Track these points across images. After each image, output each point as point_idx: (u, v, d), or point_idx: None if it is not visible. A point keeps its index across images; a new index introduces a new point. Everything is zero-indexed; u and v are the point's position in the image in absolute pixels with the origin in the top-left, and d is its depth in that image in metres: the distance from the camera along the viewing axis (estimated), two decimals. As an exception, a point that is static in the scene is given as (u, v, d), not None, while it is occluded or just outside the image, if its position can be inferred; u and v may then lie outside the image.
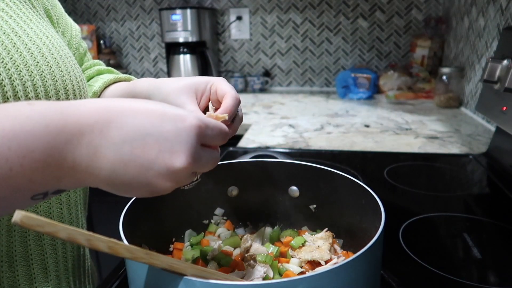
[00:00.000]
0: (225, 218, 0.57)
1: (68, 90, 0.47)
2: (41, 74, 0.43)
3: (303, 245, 0.50)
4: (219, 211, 0.56)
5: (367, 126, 1.36)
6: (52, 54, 0.46)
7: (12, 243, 0.45)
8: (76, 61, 0.53)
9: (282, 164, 0.55)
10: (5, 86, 0.39)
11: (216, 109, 0.50)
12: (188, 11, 1.88)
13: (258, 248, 0.49)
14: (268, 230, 0.56)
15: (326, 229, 0.52)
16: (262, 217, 0.57)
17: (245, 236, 0.52)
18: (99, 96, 0.61)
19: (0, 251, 0.44)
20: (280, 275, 0.46)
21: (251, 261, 0.47)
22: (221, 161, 0.55)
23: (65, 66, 0.48)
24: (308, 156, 1.08)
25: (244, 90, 2.11)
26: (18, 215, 0.25)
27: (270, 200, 0.56)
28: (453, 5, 1.73)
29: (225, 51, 2.19)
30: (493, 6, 1.27)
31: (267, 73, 2.16)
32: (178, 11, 1.88)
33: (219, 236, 0.54)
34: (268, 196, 0.56)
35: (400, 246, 0.64)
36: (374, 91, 1.86)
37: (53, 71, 0.45)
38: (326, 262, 0.46)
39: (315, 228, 0.54)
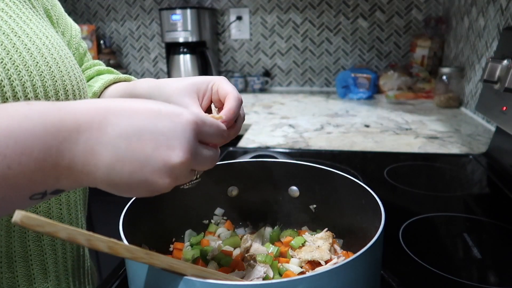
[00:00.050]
0: (225, 218, 0.57)
1: (67, 91, 0.47)
2: (41, 75, 0.43)
3: (303, 245, 0.50)
4: (219, 211, 0.56)
5: (367, 126, 1.36)
6: (52, 54, 0.46)
7: (12, 244, 0.45)
8: (75, 61, 0.52)
9: (282, 164, 0.55)
10: (4, 86, 0.39)
11: (219, 109, 0.50)
12: (188, 11, 1.88)
13: (258, 248, 0.49)
14: (268, 230, 0.56)
15: (326, 229, 0.52)
16: (262, 217, 0.57)
17: (245, 236, 0.52)
18: (99, 97, 0.61)
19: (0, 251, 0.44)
20: (280, 275, 0.46)
21: (251, 261, 0.47)
22: (221, 161, 0.55)
23: (64, 66, 0.48)
24: (308, 156, 1.08)
25: (244, 90, 2.11)
26: (18, 215, 0.25)
27: (270, 200, 0.56)
28: (453, 5, 1.73)
29: (225, 51, 2.19)
30: (493, 6, 1.27)
31: (267, 73, 2.16)
32: (178, 11, 1.88)
33: (219, 236, 0.54)
34: (268, 196, 0.56)
35: (400, 246, 0.64)
36: (374, 91, 1.86)
37: (52, 72, 0.45)
38: (326, 262, 0.46)
39: (315, 228, 0.54)
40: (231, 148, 1.14)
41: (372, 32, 2.00)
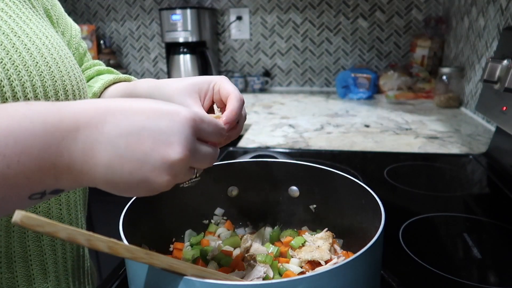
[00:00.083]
0: (225, 218, 0.57)
1: (67, 91, 0.47)
2: (40, 75, 0.43)
3: (303, 245, 0.50)
4: (219, 211, 0.56)
5: (367, 126, 1.36)
6: (52, 54, 0.46)
7: (11, 244, 0.45)
8: (75, 62, 0.52)
9: (282, 164, 0.55)
10: (4, 86, 0.39)
11: (221, 110, 0.50)
12: (188, 11, 1.88)
13: (258, 248, 0.49)
14: (268, 230, 0.56)
15: (326, 229, 0.52)
16: (262, 217, 0.57)
17: (245, 236, 0.52)
18: (99, 97, 0.61)
19: (-1, 251, 0.44)
20: (280, 275, 0.46)
21: (251, 261, 0.47)
22: (221, 161, 0.55)
23: (64, 66, 0.48)
24: (308, 156, 1.08)
25: (244, 90, 2.11)
26: (18, 215, 0.25)
27: (270, 200, 0.56)
28: (453, 5, 1.73)
29: (225, 51, 2.19)
30: (493, 6, 1.27)
31: (267, 73, 2.16)
32: (178, 11, 1.88)
33: (219, 236, 0.54)
34: (268, 196, 0.56)
35: (400, 246, 0.64)
36: (374, 91, 1.86)
37: (52, 72, 0.45)
38: (326, 262, 0.46)
39: (315, 228, 0.54)
40: (231, 148, 1.14)
41: (372, 32, 2.00)
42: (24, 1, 0.49)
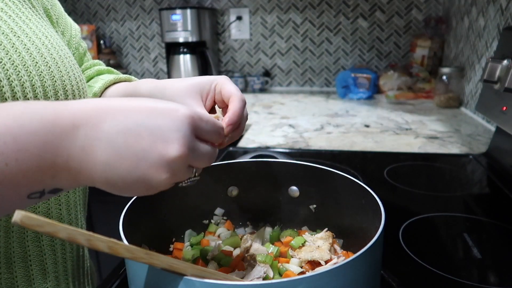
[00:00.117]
0: (225, 218, 0.57)
1: (67, 91, 0.47)
2: (40, 75, 0.43)
3: (303, 245, 0.50)
4: (219, 211, 0.56)
5: (367, 126, 1.36)
6: (51, 54, 0.46)
7: (10, 244, 0.44)
8: (75, 61, 0.52)
9: (282, 164, 0.55)
10: (3, 86, 0.39)
11: (222, 110, 0.50)
12: (188, 11, 1.88)
13: (258, 248, 0.49)
14: (268, 230, 0.55)
15: (326, 229, 0.52)
16: (262, 217, 0.57)
17: (245, 236, 0.52)
18: (99, 97, 0.60)
19: (-1, 251, 0.44)
20: (280, 275, 0.46)
21: (251, 261, 0.47)
22: (221, 161, 0.55)
23: (64, 66, 0.48)
24: (308, 156, 1.08)
25: (244, 90, 2.11)
26: (18, 215, 0.25)
27: (270, 200, 0.56)
28: (453, 5, 1.73)
29: (225, 51, 2.19)
30: (493, 6, 1.27)
31: (267, 73, 2.16)
32: (178, 11, 1.88)
33: (219, 236, 0.54)
34: (268, 196, 0.56)
35: (400, 246, 0.64)
36: (374, 91, 1.86)
37: (52, 72, 0.45)
38: (326, 262, 0.46)
39: (315, 228, 0.54)
40: (231, 148, 1.14)
41: (372, 32, 2.00)
42: (24, 1, 0.49)
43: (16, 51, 0.42)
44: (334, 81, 2.09)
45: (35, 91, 0.42)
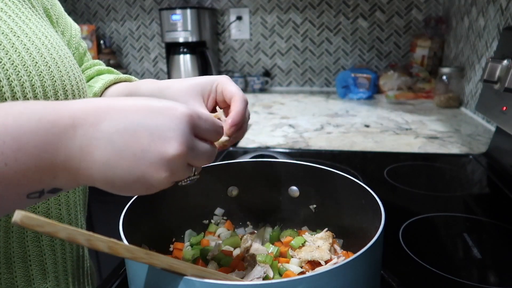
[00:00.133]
0: (225, 218, 0.57)
1: (67, 91, 0.47)
2: (40, 75, 0.43)
3: (303, 245, 0.50)
4: (219, 211, 0.56)
5: (367, 126, 1.36)
6: (51, 54, 0.46)
7: (10, 244, 0.44)
8: (75, 61, 0.52)
9: (282, 164, 0.55)
10: (3, 87, 0.39)
11: (224, 110, 0.50)
12: (188, 11, 1.88)
13: (258, 248, 0.49)
14: (268, 230, 0.55)
15: (326, 229, 0.52)
16: (262, 217, 0.57)
17: (245, 236, 0.52)
18: (99, 97, 0.60)
19: (-1, 251, 0.44)
20: (280, 275, 0.46)
21: (251, 261, 0.47)
22: (221, 161, 0.55)
23: (64, 66, 0.48)
24: (308, 156, 1.08)
25: (244, 90, 2.11)
26: (18, 215, 0.25)
27: (270, 200, 0.56)
28: (453, 5, 1.73)
29: (225, 51, 2.19)
30: (493, 6, 1.27)
31: (267, 73, 2.16)
32: (178, 11, 1.88)
33: (219, 236, 0.54)
34: (268, 196, 0.56)
35: (400, 246, 0.64)
36: (374, 91, 1.86)
37: (51, 72, 0.45)
38: (326, 262, 0.46)
39: (315, 228, 0.54)
40: (231, 148, 1.14)
41: (372, 32, 2.00)
42: (24, 1, 0.49)
43: (15, 51, 0.42)
44: (334, 81, 2.09)
45: (34, 91, 0.42)
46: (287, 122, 1.43)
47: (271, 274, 0.45)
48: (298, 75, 2.15)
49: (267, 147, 1.16)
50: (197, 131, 0.34)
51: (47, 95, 0.44)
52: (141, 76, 2.33)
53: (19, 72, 0.41)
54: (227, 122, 0.47)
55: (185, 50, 1.94)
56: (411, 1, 1.92)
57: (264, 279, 0.44)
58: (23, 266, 0.46)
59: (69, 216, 0.52)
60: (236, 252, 0.50)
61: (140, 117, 0.31)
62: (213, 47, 2.10)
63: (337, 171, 0.50)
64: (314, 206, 0.54)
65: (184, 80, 0.52)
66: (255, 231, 0.56)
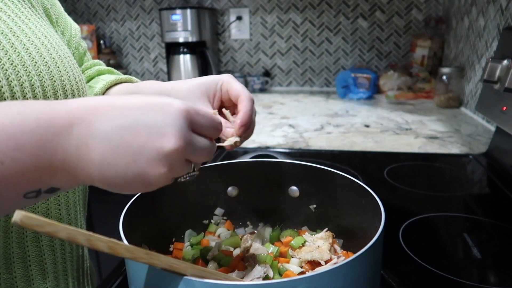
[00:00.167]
0: (225, 218, 0.57)
1: (66, 91, 0.47)
2: (39, 75, 0.43)
3: (303, 245, 0.50)
4: (219, 211, 0.56)
5: (367, 126, 1.36)
6: (51, 54, 0.46)
7: (9, 245, 0.44)
8: (75, 61, 0.52)
9: (282, 164, 0.55)
10: (2, 86, 0.39)
11: (229, 109, 0.50)
12: (188, 11, 1.88)
13: (258, 248, 0.49)
14: (268, 230, 0.55)
15: (326, 229, 0.52)
16: (262, 217, 0.57)
17: (245, 236, 0.52)
18: None
19: (-2, 252, 0.44)
20: (280, 275, 0.46)
21: (251, 261, 0.47)
22: (221, 161, 0.55)
23: (63, 66, 0.48)
24: (308, 156, 1.08)
25: (244, 90, 2.11)
26: (18, 215, 0.25)
27: (270, 200, 0.56)
28: (453, 5, 1.73)
29: (225, 51, 2.19)
30: (493, 6, 1.27)
31: (267, 73, 2.16)
32: (178, 11, 1.88)
33: (219, 236, 0.54)
34: (268, 196, 0.56)
35: (400, 246, 0.64)
36: (374, 91, 1.86)
37: (51, 72, 0.45)
38: (326, 262, 0.46)
39: (315, 228, 0.54)
40: (225, 148, 1.14)
41: (372, 32, 2.00)
42: (23, 1, 0.49)
43: (15, 51, 0.42)
44: (334, 81, 2.09)
45: (34, 91, 0.42)
46: (287, 122, 1.43)
47: (271, 274, 0.45)
48: (298, 75, 2.15)
49: (267, 147, 1.16)
50: (195, 126, 0.33)
51: (46, 95, 0.44)
52: (141, 76, 2.33)
53: (18, 72, 0.41)
54: (236, 123, 0.47)
55: (185, 50, 1.94)
56: (411, 1, 1.92)
57: (264, 279, 0.44)
58: (23, 266, 0.46)
59: (68, 216, 0.52)
60: (236, 252, 0.50)
61: (137, 114, 0.31)
62: (213, 47, 2.10)
63: (337, 171, 0.50)
64: (314, 206, 0.54)
65: (187, 80, 0.51)
66: (255, 231, 0.56)
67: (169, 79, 2.02)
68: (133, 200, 0.44)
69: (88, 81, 0.64)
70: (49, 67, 0.45)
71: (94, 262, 0.66)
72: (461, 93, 1.58)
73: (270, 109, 1.66)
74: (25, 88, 0.41)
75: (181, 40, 1.92)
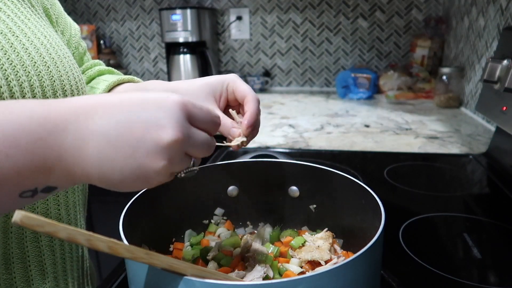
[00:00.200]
0: (225, 218, 0.57)
1: (66, 91, 0.47)
2: (39, 75, 0.43)
3: (303, 245, 0.50)
4: (219, 211, 0.56)
5: (367, 126, 1.36)
6: (50, 54, 0.46)
7: (9, 245, 0.44)
8: (74, 61, 0.52)
9: (282, 164, 0.55)
10: (1, 87, 0.39)
11: (235, 108, 0.50)
12: (188, 11, 1.88)
13: (258, 248, 0.49)
14: (268, 230, 0.55)
15: (326, 229, 0.52)
16: (262, 217, 0.57)
17: (245, 236, 0.52)
18: None
19: (-3, 252, 0.44)
20: (280, 275, 0.46)
21: (251, 261, 0.47)
22: (221, 161, 0.55)
23: (63, 66, 0.47)
24: (308, 156, 1.08)
25: (244, 90, 2.11)
26: (18, 215, 0.25)
27: (270, 200, 0.56)
28: (453, 5, 1.73)
29: (225, 51, 2.19)
30: (493, 6, 1.27)
31: (267, 73, 2.16)
32: (178, 11, 1.88)
33: (219, 236, 0.54)
34: (268, 196, 0.56)
35: (400, 246, 0.64)
36: (374, 91, 1.86)
37: (50, 72, 0.45)
38: (326, 262, 0.46)
39: (315, 228, 0.54)
40: (231, 148, 1.14)
41: (372, 32, 2.00)
42: (23, 0, 0.49)
43: (14, 51, 0.42)
44: (334, 81, 2.09)
45: (33, 91, 0.42)
46: (287, 122, 1.43)
47: (271, 274, 0.45)
48: (298, 75, 2.15)
49: (267, 147, 1.16)
50: (193, 120, 0.33)
51: (45, 95, 0.44)
52: (141, 76, 2.33)
53: (17, 72, 0.41)
54: (243, 124, 0.47)
55: (185, 50, 1.94)
56: (411, 1, 1.92)
57: (264, 279, 0.44)
58: (22, 266, 0.46)
59: (68, 216, 0.52)
60: (236, 252, 0.50)
61: (134, 109, 0.31)
62: (213, 47, 2.10)
63: (337, 171, 0.50)
64: (314, 206, 0.54)
65: (193, 81, 0.51)
66: (255, 231, 0.56)
67: (169, 79, 2.02)
68: (133, 200, 0.44)
69: (88, 82, 0.64)
70: (48, 67, 0.45)
71: (94, 262, 0.66)
72: (461, 93, 1.58)
73: (270, 109, 1.66)
74: (24, 88, 0.41)
75: (181, 40, 1.92)
